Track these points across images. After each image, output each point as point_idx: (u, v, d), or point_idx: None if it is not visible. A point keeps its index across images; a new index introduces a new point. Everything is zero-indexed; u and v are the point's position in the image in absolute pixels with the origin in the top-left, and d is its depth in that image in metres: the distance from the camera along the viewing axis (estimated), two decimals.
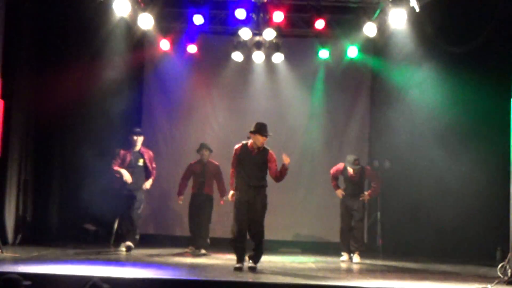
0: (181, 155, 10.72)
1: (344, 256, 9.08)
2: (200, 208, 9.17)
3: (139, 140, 8.99)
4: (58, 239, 9.89)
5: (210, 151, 9.35)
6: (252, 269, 7.20)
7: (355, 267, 8.26)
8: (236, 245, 7.30)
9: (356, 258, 8.84)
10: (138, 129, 9.21)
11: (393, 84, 10.53)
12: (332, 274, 7.25)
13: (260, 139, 7.35)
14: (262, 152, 7.43)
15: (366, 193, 9.18)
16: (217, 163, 9.37)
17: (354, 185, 9.08)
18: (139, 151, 9.00)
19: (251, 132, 7.38)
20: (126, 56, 10.44)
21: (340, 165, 9.22)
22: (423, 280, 6.90)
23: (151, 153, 9.15)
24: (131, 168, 8.85)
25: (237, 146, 7.52)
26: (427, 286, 6.45)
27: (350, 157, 9.09)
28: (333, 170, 9.31)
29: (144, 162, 8.96)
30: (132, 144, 8.97)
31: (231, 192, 7.47)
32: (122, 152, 8.97)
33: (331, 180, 9.31)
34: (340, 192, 9.14)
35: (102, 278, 5.08)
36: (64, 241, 9.72)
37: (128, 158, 8.90)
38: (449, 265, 8.63)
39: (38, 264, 6.87)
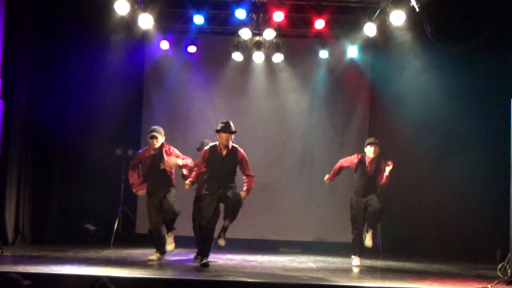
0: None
1: (356, 260, 8.27)
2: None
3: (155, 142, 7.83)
4: (58, 239, 9.90)
5: None
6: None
7: (355, 267, 8.24)
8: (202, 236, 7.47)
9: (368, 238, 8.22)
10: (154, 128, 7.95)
11: (393, 84, 10.53)
12: (332, 274, 7.24)
13: (223, 137, 7.32)
14: (232, 152, 7.40)
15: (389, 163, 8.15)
16: None
17: (368, 179, 8.19)
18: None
19: (216, 131, 7.37)
20: (126, 56, 10.43)
21: (355, 157, 8.32)
22: (423, 280, 6.90)
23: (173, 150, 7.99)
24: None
25: (206, 147, 7.49)
26: (427, 286, 6.45)
27: (369, 139, 8.35)
28: (344, 161, 8.39)
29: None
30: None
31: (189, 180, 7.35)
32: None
33: (334, 171, 8.43)
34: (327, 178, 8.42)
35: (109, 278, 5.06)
36: (64, 241, 9.73)
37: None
38: (449, 265, 8.62)
39: (38, 264, 6.86)
